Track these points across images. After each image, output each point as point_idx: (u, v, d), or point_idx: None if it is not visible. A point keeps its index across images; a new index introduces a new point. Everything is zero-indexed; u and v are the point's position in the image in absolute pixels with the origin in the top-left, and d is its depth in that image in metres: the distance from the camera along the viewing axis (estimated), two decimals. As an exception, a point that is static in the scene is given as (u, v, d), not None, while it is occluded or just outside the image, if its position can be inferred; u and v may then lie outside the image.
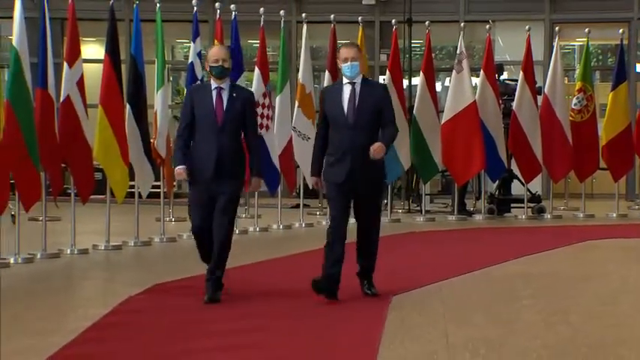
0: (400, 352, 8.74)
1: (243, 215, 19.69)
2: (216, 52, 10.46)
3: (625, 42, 21.34)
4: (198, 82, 16.53)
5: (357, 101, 10.40)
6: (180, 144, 10.43)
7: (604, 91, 21.24)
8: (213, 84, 10.38)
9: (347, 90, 10.48)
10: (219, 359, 8.55)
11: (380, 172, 10.66)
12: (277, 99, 18.11)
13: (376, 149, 10.20)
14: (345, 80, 10.56)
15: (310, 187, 11.58)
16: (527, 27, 20.46)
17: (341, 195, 10.43)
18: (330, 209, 10.67)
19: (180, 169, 10.37)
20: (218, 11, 17.47)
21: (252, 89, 17.57)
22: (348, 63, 10.41)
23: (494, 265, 13.84)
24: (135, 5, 16.02)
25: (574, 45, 24.41)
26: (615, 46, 21.19)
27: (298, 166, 18.63)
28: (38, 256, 14.37)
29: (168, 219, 18.15)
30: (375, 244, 10.77)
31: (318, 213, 20.31)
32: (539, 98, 19.71)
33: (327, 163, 10.59)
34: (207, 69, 10.54)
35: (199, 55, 16.86)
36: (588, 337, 9.57)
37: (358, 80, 10.50)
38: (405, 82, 20.58)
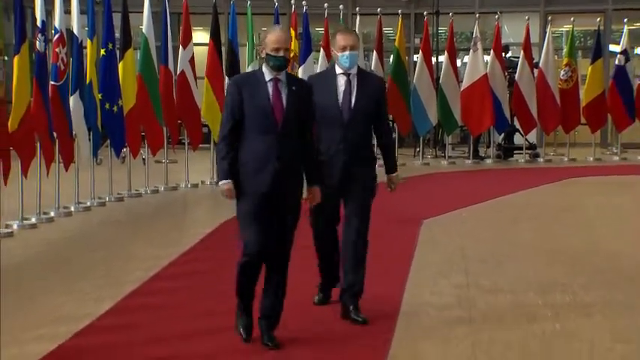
0: (428, 262, 8.80)
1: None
2: (279, 39, 5.93)
3: (601, 28, 21.08)
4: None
5: (353, 95, 6.68)
6: (223, 151, 5.94)
7: (585, 65, 20.96)
8: (268, 75, 5.93)
9: (341, 81, 6.72)
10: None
11: (372, 172, 6.84)
12: (337, 72, 18.05)
13: (397, 182, 6.89)
14: (338, 70, 6.76)
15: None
16: (526, 17, 20.31)
17: (328, 203, 6.48)
18: (314, 222, 6.85)
19: (226, 185, 5.89)
20: (293, 6, 17.47)
21: (318, 65, 17.57)
22: (347, 52, 6.67)
23: (500, 196, 13.79)
24: (232, 2, 16.04)
25: (562, 30, 24.02)
26: (594, 31, 20.85)
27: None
28: (161, 189, 14.50)
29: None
30: (364, 251, 6.72)
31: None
32: (536, 71, 19.55)
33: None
34: (263, 55, 6.00)
35: (280, 40, 16.88)
36: (571, 250, 9.57)
37: (353, 71, 6.74)
38: (434, 60, 20.43)
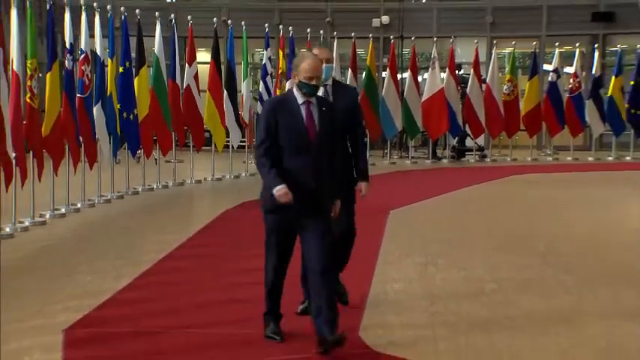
0: (395, 245, 8.83)
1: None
2: (312, 68, 5.17)
3: (537, 50, 21.16)
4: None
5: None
6: (267, 164, 5.20)
7: (524, 81, 21.02)
8: (300, 98, 5.19)
9: (319, 92, 5.58)
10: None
11: (351, 176, 6.00)
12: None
13: (367, 192, 5.97)
14: None
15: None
16: (475, 41, 20.40)
17: None
18: None
19: (282, 190, 5.10)
20: (281, 31, 17.47)
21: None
22: (323, 65, 5.64)
23: (454, 190, 13.86)
24: (230, 28, 16.05)
25: (505, 52, 24.04)
26: (531, 52, 20.97)
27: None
28: (170, 184, 14.44)
29: (250, 162, 18.18)
30: (350, 251, 6.13)
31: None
32: (484, 86, 19.62)
33: None
34: (296, 81, 5.23)
35: (269, 59, 17.02)
36: (514, 234, 9.63)
37: (329, 82, 6.04)
38: (399, 76, 20.48)
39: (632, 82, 20.33)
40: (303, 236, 5.21)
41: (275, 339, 5.32)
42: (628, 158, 20.44)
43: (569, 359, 5.12)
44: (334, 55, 19.02)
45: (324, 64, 5.75)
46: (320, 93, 5.74)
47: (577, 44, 20.78)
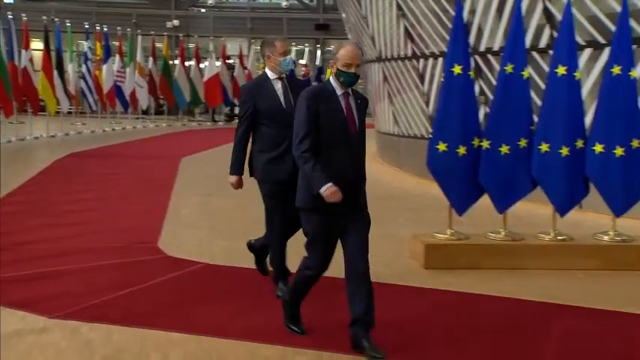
0: (184, 179, 8.62)
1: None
2: (352, 55, 3.21)
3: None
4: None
5: (291, 96, 3.97)
6: (311, 161, 3.16)
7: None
8: (339, 89, 3.25)
9: (278, 85, 4.00)
10: (111, 179, 8.23)
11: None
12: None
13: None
14: (272, 75, 4.01)
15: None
16: (239, 40, 20.32)
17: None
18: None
19: (331, 188, 3.11)
20: (97, 27, 16.33)
21: (115, 65, 16.61)
22: (288, 56, 4.03)
23: (227, 143, 13.79)
24: (57, 24, 14.84)
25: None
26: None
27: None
28: (14, 139, 13.30)
29: (78, 124, 17.04)
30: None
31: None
32: (246, 71, 19.66)
33: (263, 161, 4.16)
34: (334, 70, 3.28)
35: (89, 48, 16.12)
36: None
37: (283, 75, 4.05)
38: (187, 63, 19.98)
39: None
40: (343, 236, 3.30)
41: (296, 331, 3.48)
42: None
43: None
44: (138, 49, 18.27)
45: (288, 56, 4.09)
46: (280, 87, 4.04)
47: (306, 44, 21.33)
